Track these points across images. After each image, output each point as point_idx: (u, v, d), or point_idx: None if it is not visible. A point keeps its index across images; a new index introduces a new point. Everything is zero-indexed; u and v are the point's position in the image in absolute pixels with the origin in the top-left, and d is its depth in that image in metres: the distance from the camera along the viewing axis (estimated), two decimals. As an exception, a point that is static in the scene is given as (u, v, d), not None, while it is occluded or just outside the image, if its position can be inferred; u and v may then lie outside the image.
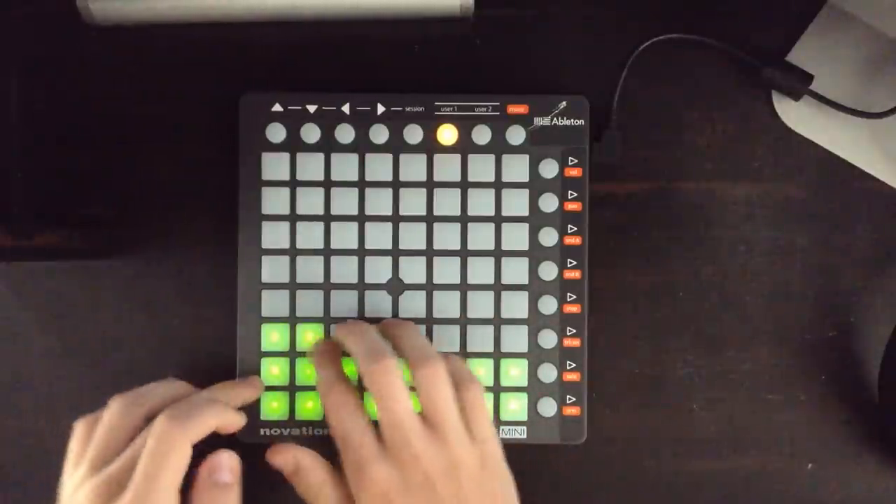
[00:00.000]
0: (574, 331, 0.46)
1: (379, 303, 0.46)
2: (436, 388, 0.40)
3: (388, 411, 0.40)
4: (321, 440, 0.46)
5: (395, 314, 0.46)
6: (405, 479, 0.39)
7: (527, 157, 0.46)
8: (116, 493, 0.37)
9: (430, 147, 0.46)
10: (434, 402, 0.40)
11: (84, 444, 0.40)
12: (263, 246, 0.46)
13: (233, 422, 0.42)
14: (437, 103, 0.46)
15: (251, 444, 0.45)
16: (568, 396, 0.46)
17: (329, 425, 0.41)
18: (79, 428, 0.41)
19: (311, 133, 0.46)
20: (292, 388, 0.46)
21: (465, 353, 0.46)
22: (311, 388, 0.46)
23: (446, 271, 0.46)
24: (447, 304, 0.46)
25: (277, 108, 0.46)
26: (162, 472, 0.37)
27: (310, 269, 0.46)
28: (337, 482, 0.41)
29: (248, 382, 0.46)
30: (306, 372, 0.46)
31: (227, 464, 0.39)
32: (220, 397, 0.43)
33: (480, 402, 0.41)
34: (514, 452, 0.47)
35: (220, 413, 0.41)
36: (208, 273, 0.48)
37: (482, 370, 0.46)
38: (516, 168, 0.46)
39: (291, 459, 0.42)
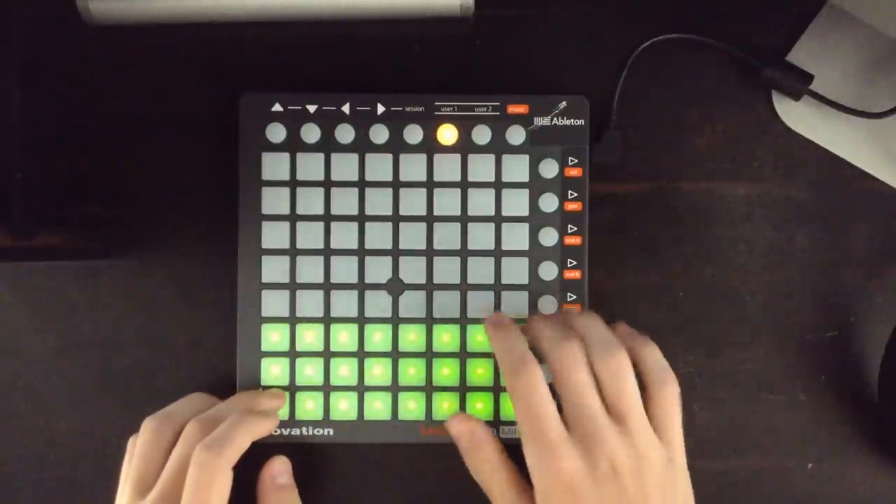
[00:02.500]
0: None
1: (379, 303, 0.46)
2: (621, 380, 0.39)
3: (576, 400, 0.39)
4: (321, 440, 0.46)
5: (396, 314, 0.46)
6: (592, 469, 0.38)
7: (527, 157, 0.46)
8: None
9: (430, 147, 0.46)
10: (620, 395, 0.39)
11: (129, 464, 0.43)
12: (263, 246, 0.46)
13: (266, 431, 0.44)
14: (437, 103, 0.46)
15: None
16: None
17: (515, 405, 0.40)
18: (128, 446, 0.44)
19: (311, 133, 0.46)
20: (292, 388, 0.46)
21: (465, 353, 0.46)
22: (311, 388, 0.46)
23: (446, 271, 0.46)
24: (447, 304, 0.46)
25: (277, 108, 0.46)
26: (206, 499, 0.39)
27: (310, 269, 0.46)
28: (509, 465, 0.42)
29: (273, 394, 0.46)
30: (306, 372, 0.46)
31: (284, 468, 0.45)
32: (245, 406, 0.44)
33: (675, 402, 0.40)
34: (514, 452, 0.47)
35: (253, 428, 0.43)
36: (208, 273, 0.48)
37: (482, 370, 0.46)
38: (516, 168, 0.46)
39: (468, 432, 0.43)
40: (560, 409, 0.39)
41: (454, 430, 0.43)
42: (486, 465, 0.42)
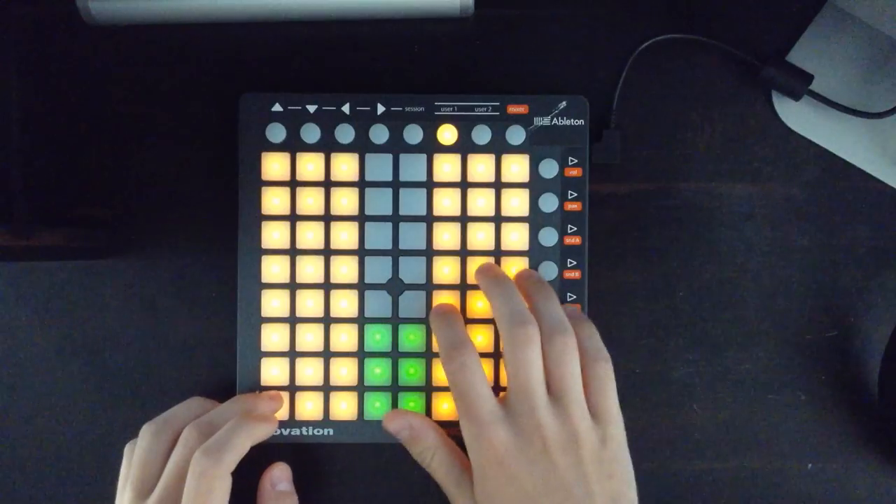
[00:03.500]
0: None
1: (379, 303, 0.46)
2: (564, 362, 0.41)
3: (519, 377, 0.40)
4: (321, 440, 0.46)
5: (396, 314, 0.46)
6: (524, 445, 0.39)
7: (527, 156, 0.46)
8: None
9: (430, 147, 0.46)
10: (561, 375, 0.40)
11: (128, 469, 0.44)
12: (263, 246, 0.46)
13: (265, 435, 0.44)
14: (437, 103, 0.46)
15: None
16: None
17: (451, 385, 0.41)
18: (125, 453, 0.44)
19: (311, 133, 0.46)
20: (292, 389, 0.46)
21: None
22: (311, 388, 0.46)
23: (446, 271, 0.46)
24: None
25: (277, 108, 0.46)
26: None
27: (310, 269, 0.46)
28: (450, 446, 0.43)
29: (271, 396, 0.46)
30: (306, 372, 0.46)
31: (284, 474, 0.46)
32: (243, 409, 0.45)
33: (608, 379, 0.42)
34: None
35: (252, 433, 0.43)
36: (208, 273, 0.48)
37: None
38: (516, 168, 0.46)
39: (406, 425, 0.43)
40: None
41: (392, 427, 0.44)
42: (427, 452, 0.43)
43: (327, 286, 0.46)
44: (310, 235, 0.46)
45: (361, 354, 0.46)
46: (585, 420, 0.40)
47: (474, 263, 0.46)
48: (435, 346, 0.46)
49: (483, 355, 0.44)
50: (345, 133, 0.46)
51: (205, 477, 0.40)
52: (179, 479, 0.41)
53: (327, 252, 0.46)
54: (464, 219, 0.46)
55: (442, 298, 0.46)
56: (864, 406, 0.47)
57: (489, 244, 0.46)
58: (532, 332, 0.41)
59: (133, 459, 0.43)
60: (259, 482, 0.46)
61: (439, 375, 0.46)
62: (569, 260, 0.46)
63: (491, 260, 0.46)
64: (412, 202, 0.46)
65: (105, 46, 0.48)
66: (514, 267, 0.46)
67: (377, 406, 0.46)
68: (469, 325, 0.46)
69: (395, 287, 0.46)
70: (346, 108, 0.46)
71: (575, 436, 0.39)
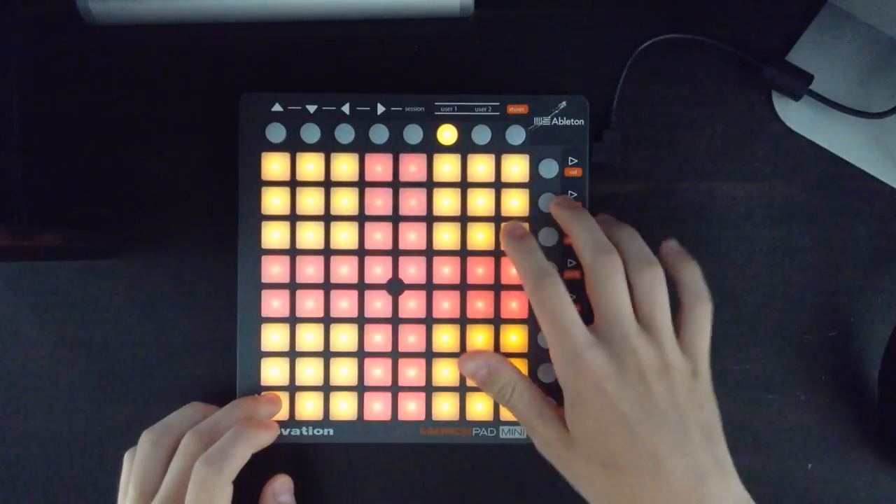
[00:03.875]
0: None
1: (379, 303, 0.46)
2: (653, 293, 0.41)
3: (610, 305, 0.40)
4: (321, 440, 0.46)
5: (395, 314, 0.46)
6: (620, 369, 0.39)
7: (527, 156, 0.46)
8: None
9: (429, 147, 0.46)
10: (651, 307, 0.41)
11: (128, 477, 0.44)
12: (263, 246, 0.46)
13: (266, 442, 0.44)
14: (436, 103, 0.46)
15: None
16: None
17: (540, 316, 0.41)
18: (125, 461, 0.45)
19: (311, 133, 0.46)
20: (292, 389, 0.46)
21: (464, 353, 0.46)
22: (311, 389, 0.46)
23: (446, 271, 0.46)
24: (447, 304, 0.46)
25: (277, 108, 0.46)
26: None
27: (310, 270, 0.46)
28: (528, 382, 0.43)
29: (269, 399, 0.46)
30: (306, 372, 0.46)
31: (286, 486, 0.46)
32: (241, 415, 0.45)
33: (706, 319, 0.42)
34: (514, 452, 0.47)
35: (253, 441, 0.43)
36: (208, 273, 0.48)
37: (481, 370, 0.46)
38: (516, 168, 0.46)
39: (483, 363, 0.44)
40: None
41: (468, 369, 0.44)
42: (507, 387, 0.43)
43: (327, 286, 0.46)
44: (310, 235, 0.46)
45: (361, 354, 0.46)
46: (675, 351, 0.40)
47: (474, 264, 0.46)
48: (438, 347, 0.46)
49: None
50: (345, 133, 0.46)
51: (206, 486, 0.40)
52: (180, 487, 0.41)
53: (327, 252, 0.46)
54: (464, 219, 0.46)
55: (442, 299, 0.46)
56: (864, 406, 0.47)
57: (489, 244, 0.46)
58: (617, 260, 0.41)
59: (133, 467, 0.43)
60: (261, 493, 0.46)
61: (439, 375, 0.46)
62: (569, 260, 0.46)
63: (490, 260, 0.46)
64: (412, 202, 0.46)
65: (105, 46, 0.48)
66: (513, 267, 0.46)
67: (377, 406, 0.46)
68: (470, 323, 0.46)
69: (395, 287, 0.46)
70: (346, 108, 0.46)
71: (667, 364, 0.40)
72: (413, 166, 0.46)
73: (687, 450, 0.38)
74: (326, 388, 0.46)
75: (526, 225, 0.46)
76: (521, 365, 0.46)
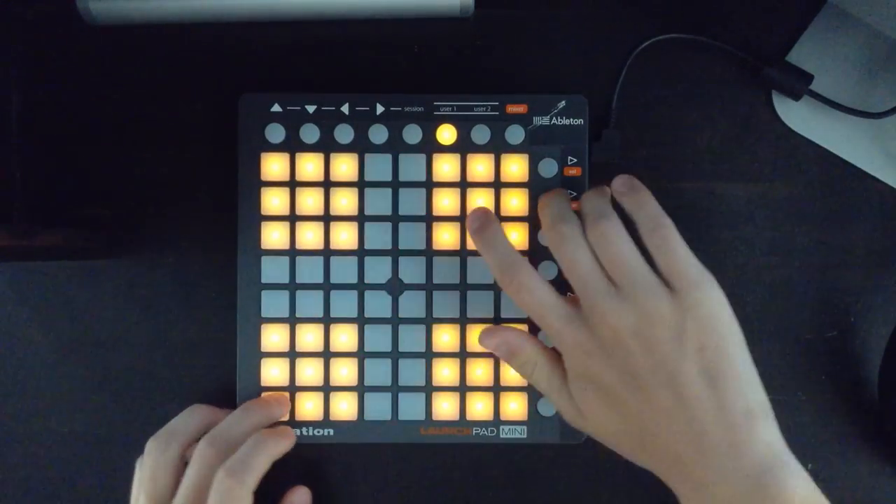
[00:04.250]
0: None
1: (379, 303, 0.46)
2: (608, 244, 0.39)
3: (572, 273, 0.39)
4: (321, 440, 0.46)
5: (395, 314, 0.46)
6: (598, 341, 0.38)
7: (526, 156, 0.46)
8: None
9: (429, 147, 0.46)
10: (611, 259, 0.39)
11: (139, 485, 0.44)
12: (263, 246, 0.46)
13: (284, 450, 0.44)
14: (436, 103, 0.46)
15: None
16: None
17: (517, 303, 0.41)
18: (136, 469, 0.44)
19: (310, 133, 0.46)
20: (292, 389, 0.46)
21: (465, 353, 0.46)
22: (311, 389, 0.46)
23: (446, 271, 0.46)
24: (447, 304, 0.46)
25: (277, 108, 0.46)
26: None
27: (310, 270, 0.46)
28: (549, 354, 0.42)
29: (278, 400, 0.46)
30: (306, 372, 0.46)
31: (305, 499, 0.46)
32: (253, 419, 0.44)
33: (672, 241, 0.39)
34: (514, 452, 0.47)
35: (273, 450, 0.43)
36: (208, 273, 0.48)
37: (482, 370, 0.46)
38: (515, 168, 0.46)
39: (503, 340, 0.43)
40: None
41: (490, 344, 0.43)
42: (528, 364, 0.42)
43: (327, 286, 0.46)
44: (309, 235, 0.46)
45: (361, 354, 0.46)
46: (654, 296, 0.37)
47: (474, 264, 0.46)
48: (438, 347, 0.46)
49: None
50: (344, 133, 0.46)
51: (229, 497, 0.41)
52: (199, 495, 0.41)
53: (327, 252, 0.46)
54: (463, 219, 0.46)
55: (442, 299, 0.46)
56: (864, 406, 0.47)
57: (489, 244, 0.46)
58: (569, 227, 0.40)
59: (143, 476, 0.43)
60: (280, 502, 0.46)
61: (439, 375, 0.46)
62: (568, 260, 0.46)
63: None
64: (411, 202, 0.46)
65: (105, 46, 0.48)
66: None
67: (377, 406, 0.46)
68: (470, 323, 0.46)
69: (395, 287, 0.46)
70: (345, 109, 0.46)
71: (646, 316, 0.37)
72: (412, 166, 0.46)
73: (684, 409, 0.36)
74: (326, 389, 0.46)
75: (487, 205, 0.46)
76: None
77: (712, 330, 0.37)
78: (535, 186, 0.46)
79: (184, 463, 0.43)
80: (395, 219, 0.46)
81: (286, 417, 0.46)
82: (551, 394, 0.41)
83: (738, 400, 0.36)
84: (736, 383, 0.36)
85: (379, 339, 0.46)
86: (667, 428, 0.37)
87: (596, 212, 0.40)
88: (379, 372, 0.46)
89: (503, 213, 0.46)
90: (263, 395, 0.46)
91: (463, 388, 0.46)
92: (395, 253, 0.46)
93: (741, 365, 0.37)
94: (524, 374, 0.43)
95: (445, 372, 0.46)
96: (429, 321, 0.46)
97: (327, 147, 0.46)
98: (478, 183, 0.46)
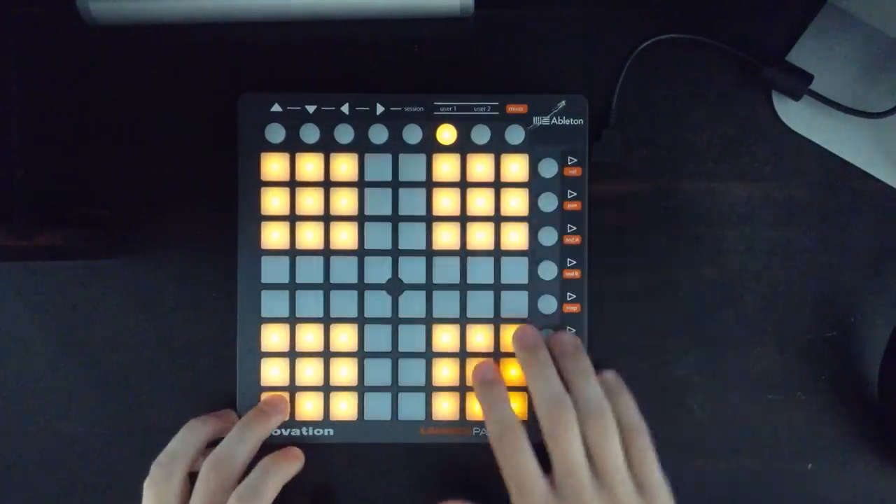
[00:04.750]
0: (574, 330, 0.46)
1: (379, 303, 0.46)
2: (604, 442, 0.42)
3: (564, 460, 0.41)
4: (321, 441, 0.46)
5: (395, 314, 0.46)
6: None
7: (526, 156, 0.46)
8: None
9: (429, 147, 0.46)
10: (603, 456, 0.41)
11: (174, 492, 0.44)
12: (263, 247, 0.46)
13: (293, 473, 0.45)
14: (436, 103, 0.46)
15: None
16: None
17: (501, 467, 0.42)
18: (144, 492, 0.44)
19: (310, 133, 0.46)
20: (292, 389, 0.46)
21: (465, 353, 0.46)
22: (311, 389, 0.46)
23: (446, 271, 0.46)
24: (447, 304, 0.46)
25: (276, 108, 0.46)
26: None
27: (309, 270, 0.46)
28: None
29: (276, 407, 0.46)
30: (306, 372, 0.46)
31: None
32: (253, 435, 0.44)
33: (648, 451, 0.43)
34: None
35: (281, 474, 0.44)
36: (208, 273, 0.48)
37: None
38: (516, 168, 0.46)
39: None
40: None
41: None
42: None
43: (327, 286, 0.46)
44: (309, 235, 0.46)
45: (361, 354, 0.46)
46: (630, 496, 0.41)
47: (474, 263, 0.46)
48: (438, 347, 0.46)
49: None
50: (344, 133, 0.46)
51: None
52: None
53: (327, 252, 0.46)
54: (463, 218, 0.46)
55: (442, 298, 0.46)
56: (864, 406, 0.47)
57: (489, 244, 0.46)
58: (569, 415, 0.42)
59: (150, 502, 0.43)
60: None
61: (439, 375, 0.46)
62: (568, 259, 0.46)
63: (490, 260, 0.46)
64: (412, 202, 0.46)
65: (105, 46, 0.48)
66: (513, 267, 0.46)
67: (377, 406, 0.46)
68: (470, 323, 0.46)
69: (394, 287, 0.46)
70: (345, 109, 0.46)
71: None
72: (412, 166, 0.46)
73: None
74: (326, 389, 0.46)
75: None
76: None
77: None
78: (536, 186, 0.46)
79: (189, 484, 0.43)
80: (395, 219, 0.46)
81: (286, 418, 0.46)
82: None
83: None
84: None
85: (379, 339, 0.46)
86: None
87: (593, 405, 0.43)
88: (379, 372, 0.46)
89: (503, 213, 0.46)
90: (262, 396, 0.46)
91: (463, 388, 0.46)
92: (395, 253, 0.46)
93: None
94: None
95: (445, 372, 0.46)
96: (429, 321, 0.46)
97: (327, 147, 0.46)
98: (478, 183, 0.46)
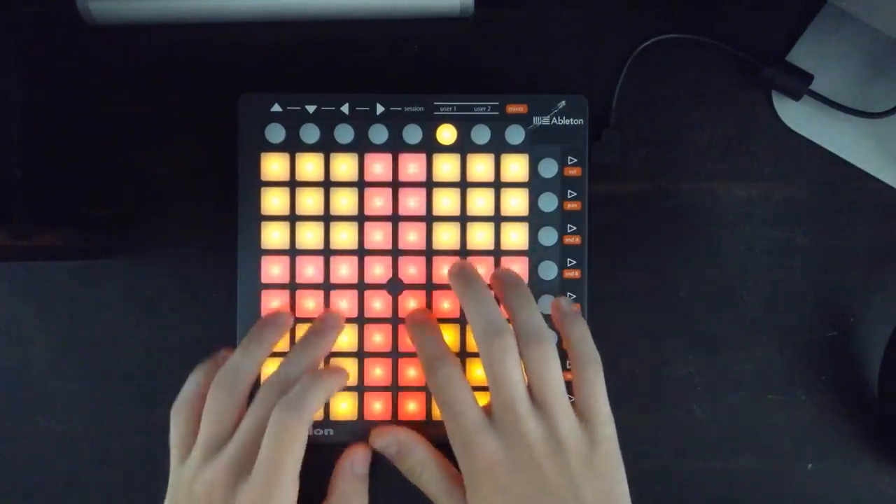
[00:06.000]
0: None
1: (379, 303, 0.46)
2: (543, 370, 0.40)
3: (501, 388, 0.40)
4: (321, 441, 0.46)
5: (395, 314, 0.46)
6: (511, 455, 0.39)
7: (526, 156, 0.46)
8: (241, 476, 0.41)
9: (429, 147, 0.46)
10: (541, 384, 0.40)
11: (188, 430, 0.43)
12: (263, 246, 0.46)
13: (339, 387, 0.45)
14: (436, 103, 0.46)
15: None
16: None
17: (436, 398, 0.42)
18: (179, 416, 0.44)
19: (310, 133, 0.46)
20: (292, 388, 0.46)
21: (464, 353, 0.46)
22: (311, 388, 0.46)
23: (446, 271, 0.46)
24: (447, 304, 0.46)
25: (277, 108, 0.46)
26: (286, 459, 0.40)
27: (310, 269, 0.46)
28: (439, 458, 0.43)
29: (331, 323, 0.45)
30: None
31: (365, 457, 0.46)
32: (312, 356, 0.44)
33: (597, 382, 0.41)
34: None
35: (328, 387, 0.43)
36: (208, 273, 0.48)
37: (480, 370, 0.46)
38: (516, 167, 0.46)
39: (393, 441, 0.44)
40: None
41: (378, 444, 0.45)
42: (416, 466, 0.43)
43: (327, 286, 0.46)
44: (309, 235, 0.46)
45: (361, 354, 0.46)
46: (572, 425, 0.40)
47: (474, 263, 0.46)
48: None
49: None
50: (344, 133, 0.46)
51: (287, 431, 0.40)
52: (257, 435, 0.41)
53: (327, 252, 0.46)
54: (463, 219, 0.46)
55: (442, 298, 0.46)
56: (864, 406, 0.47)
57: (489, 244, 0.46)
58: (508, 341, 0.41)
59: (205, 416, 0.43)
60: (338, 463, 0.46)
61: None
62: (568, 259, 0.46)
63: (490, 259, 0.46)
64: (412, 202, 0.46)
65: (105, 46, 0.48)
66: (513, 267, 0.46)
67: (377, 406, 0.46)
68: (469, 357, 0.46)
69: (395, 287, 0.46)
70: (345, 109, 0.46)
71: (561, 441, 0.39)
72: (412, 166, 0.46)
73: None
74: (326, 388, 0.46)
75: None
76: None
77: (610, 462, 0.40)
78: (536, 186, 0.46)
79: (247, 403, 0.43)
80: (394, 219, 0.46)
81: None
82: (440, 497, 0.42)
83: None
84: None
85: (379, 339, 0.46)
86: None
87: (531, 331, 0.41)
88: (379, 372, 0.46)
89: (503, 213, 0.46)
90: (319, 315, 0.46)
91: (463, 388, 0.46)
92: (395, 253, 0.46)
93: (626, 494, 0.40)
94: (411, 476, 0.44)
95: (445, 372, 0.46)
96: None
97: (327, 147, 0.46)
98: (478, 183, 0.46)
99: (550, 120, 0.46)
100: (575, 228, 0.46)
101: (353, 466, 0.46)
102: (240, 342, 0.45)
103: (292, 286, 0.46)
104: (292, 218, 0.46)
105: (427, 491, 0.43)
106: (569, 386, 0.42)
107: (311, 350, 0.45)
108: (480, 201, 0.46)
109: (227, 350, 0.46)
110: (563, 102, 0.46)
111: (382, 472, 0.47)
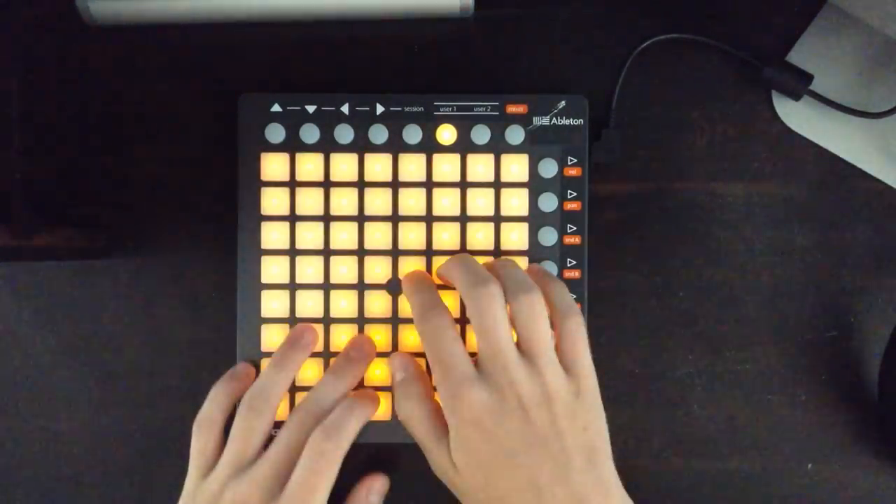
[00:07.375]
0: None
1: (379, 303, 0.46)
2: (532, 320, 0.40)
3: (488, 337, 0.40)
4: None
5: (395, 314, 0.46)
6: (499, 404, 0.39)
7: (526, 156, 0.46)
8: (273, 494, 0.41)
9: (429, 147, 0.46)
10: (530, 334, 0.40)
11: (211, 445, 0.43)
12: (263, 246, 0.46)
13: (373, 414, 0.45)
14: (436, 103, 0.46)
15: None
16: None
17: (425, 349, 0.41)
18: (201, 430, 0.44)
19: (310, 133, 0.46)
20: (292, 389, 0.46)
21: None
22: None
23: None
24: (447, 305, 0.46)
25: (276, 108, 0.46)
26: (320, 485, 0.41)
27: (310, 270, 0.46)
28: (434, 404, 0.42)
29: (363, 350, 0.46)
30: (306, 373, 0.46)
31: (382, 487, 0.47)
32: (346, 383, 0.44)
33: (579, 334, 0.41)
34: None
35: (363, 415, 0.44)
36: (208, 273, 0.48)
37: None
38: (515, 168, 0.46)
39: (404, 366, 0.44)
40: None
41: (395, 362, 0.45)
42: (409, 400, 0.43)
43: (327, 286, 0.46)
44: (309, 236, 0.46)
45: (361, 354, 0.46)
46: (558, 376, 0.40)
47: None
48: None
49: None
50: (344, 133, 0.46)
51: (323, 457, 0.41)
52: (289, 457, 0.42)
53: (327, 252, 0.46)
54: (463, 219, 0.46)
55: (442, 299, 0.46)
56: (864, 406, 0.47)
57: (489, 244, 0.46)
58: (494, 290, 0.41)
59: (233, 434, 0.43)
60: (355, 488, 0.46)
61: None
62: (568, 259, 0.46)
63: (489, 260, 0.46)
64: (412, 202, 0.46)
65: (105, 46, 0.48)
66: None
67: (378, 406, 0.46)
68: (469, 324, 0.46)
69: (395, 287, 0.46)
70: (345, 109, 0.46)
71: (548, 392, 0.39)
72: (412, 166, 0.46)
73: (568, 477, 0.38)
74: (326, 388, 0.46)
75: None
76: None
77: (594, 414, 0.41)
78: (536, 186, 0.46)
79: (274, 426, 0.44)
80: (394, 219, 0.46)
81: (278, 416, 0.46)
82: (429, 444, 0.42)
83: (610, 476, 0.40)
84: (608, 460, 0.40)
85: (379, 338, 0.46)
86: (552, 491, 0.38)
87: (522, 283, 0.41)
88: (379, 372, 0.46)
89: (503, 212, 0.46)
90: (349, 341, 0.46)
91: (463, 388, 0.46)
92: (395, 253, 0.46)
93: (608, 444, 0.41)
94: (402, 411, 0.43)
95: (445, 372, 0.46)
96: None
97: (327, 147, 0.46)
98: (478, 183, 0.46)
99: (550, 120, 0.46)
100: (575, 228, 0.46)
101: (370, 495, 0.46)
102: (269, 361, 0.45)
103: (292, 286, 0.46)
104: (292, 218, 0.46)
105: (416, 434, 0.42)
106: None
107: (344, 378, 0.45)
108: (480, 201, 0.46)
109: (244, 365, 0.46)
110: (563, 102, 0.46)
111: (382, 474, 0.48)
